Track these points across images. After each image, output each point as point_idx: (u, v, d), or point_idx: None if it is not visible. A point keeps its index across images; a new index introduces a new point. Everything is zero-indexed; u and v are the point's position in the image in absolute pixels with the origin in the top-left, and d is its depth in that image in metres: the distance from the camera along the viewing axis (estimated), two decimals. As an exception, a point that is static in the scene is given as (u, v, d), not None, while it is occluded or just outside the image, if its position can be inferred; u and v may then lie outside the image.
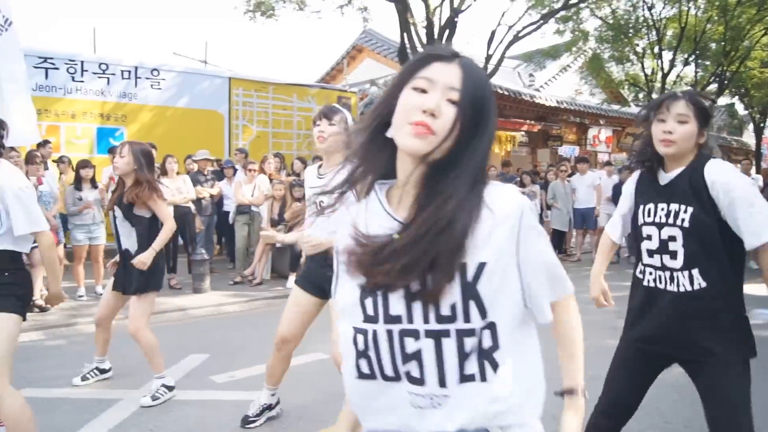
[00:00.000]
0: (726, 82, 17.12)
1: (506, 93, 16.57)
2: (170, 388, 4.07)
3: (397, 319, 1.17)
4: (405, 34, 10.41)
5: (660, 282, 2.26)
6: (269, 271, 8.64)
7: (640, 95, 21.30)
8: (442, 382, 1.16)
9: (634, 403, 2.39)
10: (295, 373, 4.29)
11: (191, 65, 12.50)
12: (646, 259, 2.33)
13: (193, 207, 8.07)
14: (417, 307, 1.15)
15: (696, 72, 17.73)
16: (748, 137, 28.19)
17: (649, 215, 2.29)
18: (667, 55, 16.59)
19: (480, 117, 1.17)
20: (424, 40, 10.71)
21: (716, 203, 2.11)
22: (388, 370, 1.19)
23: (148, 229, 4.02)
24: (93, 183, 7.14)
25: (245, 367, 4.72)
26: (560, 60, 18.91)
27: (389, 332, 1.17)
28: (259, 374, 4.56)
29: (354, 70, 18.26)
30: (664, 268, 2.24)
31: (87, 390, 4.22)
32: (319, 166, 3.39)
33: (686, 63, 17.15)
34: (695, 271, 2.16)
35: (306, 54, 68.05)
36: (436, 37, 10.33)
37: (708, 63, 17.64)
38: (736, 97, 20.90)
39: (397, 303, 1.16)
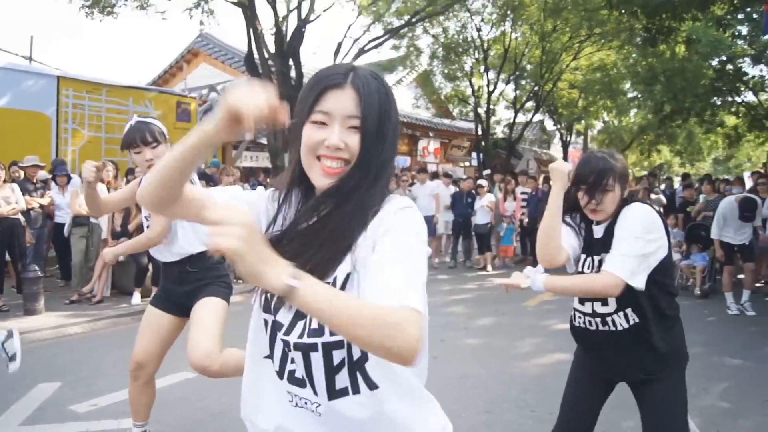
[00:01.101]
0: (541, 100, 18.95)
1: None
2: None
3: (278, 326, 1.22)
4: (253, 42, 10.24)
5: (591, 325, 2.37)
6: (110, 288, 8.03)
7: (466, 110, 22.89)
8: (315, 392, 1.21)
9: (589, 426, 2.46)
10: (166, 399, 4.08)
11: (13, 61, 11.25)
12: (577, 305, 2.42)
13: (22, 219, 7.28)
14: (298, 318, 1.19)
15: (515, 91, 19.45)
16: (555, 150, 31.42)
17: (584, 266, 2.38)
18: (491, 75, 17.99)
19: (383, 130, 1.17)
20: (272, 48, 10.61)
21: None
22: (276, 366, 1.26)
23: None
24: None
25: (107, 393, 4.38)
26: (394, 74, 19.78)
27: (273, 334, 1.24)
28: (124, 399, 4.26)
29: (189, 74, 17.55)
30: (594, 314, 2.33)
31: None
32: None
33: (508, 82, 18.75)
34: (629, 311, 2.25)
35: (136, 55, 63.97)
36: (285, 47, 10.28)
37: (524, 83, 19.41)
38: (547, 114, 23.12)
39: (284, 311, 1.21)
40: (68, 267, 8.62)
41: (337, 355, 1.18)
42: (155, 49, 73.84)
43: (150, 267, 7.61)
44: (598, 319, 2.34)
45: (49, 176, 8.42)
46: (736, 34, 13.94)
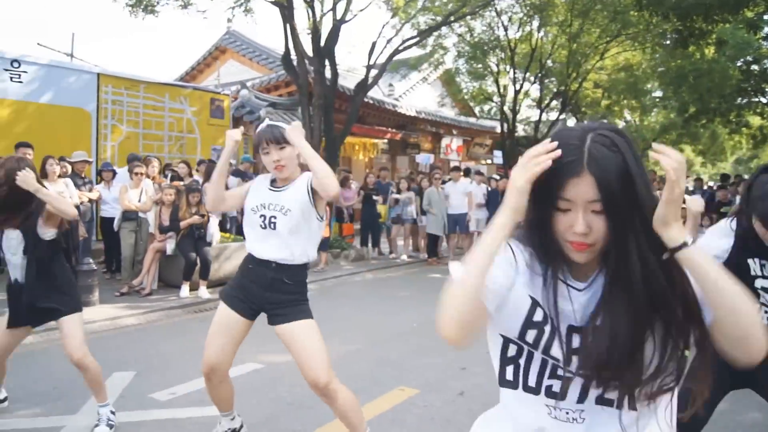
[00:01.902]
0: (568, 100, 18.97)
1: (371, 101, 16.99)
2: (113, 413, 3.78)
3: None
4: (290, 41, 10.34)
5: None
6: (156, 281, 8.18)
7: (488, 108, 22.93)
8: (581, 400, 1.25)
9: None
10: (239, 390, 4.18)
11: (57, 58, 11.44)
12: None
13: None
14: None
15: (540, 90, 19.48)
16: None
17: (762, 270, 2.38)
18: (517, 74, 18.04)
19: (628, 198, 1.13)
20: (309, 47, 10.72)
21: None
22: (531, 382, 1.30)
23: (49, 253, 3.54)
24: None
25: (183, 383, 4.49)
26: (418, 72, 19.87)
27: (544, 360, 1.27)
28: (202, 387, 4.38)
29: (216, 71, 17.69)
30: None
31: (13, 420, 3.80)
32: (273, 179, 3.06)
33: (533, 81, 18.79)
34: None
35: (163, 52, 64.45)
36: (322, 45, 10.39)
37: (549, 81, 19.42)
38: (570, 113, 23.11)
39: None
40: (114, 260, 8.79)
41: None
42: (181, 45, 74.29)
43: (198, 261, 7.74)
44: None
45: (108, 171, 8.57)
46: (764, 35, 13.89)
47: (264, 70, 17.04)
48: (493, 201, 11.73)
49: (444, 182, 12.09)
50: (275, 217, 2.91)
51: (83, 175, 8.22)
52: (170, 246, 7.94)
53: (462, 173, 12.26)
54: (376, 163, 19.21)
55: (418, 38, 12.81)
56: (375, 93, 18.66)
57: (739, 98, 19.11)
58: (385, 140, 19.00)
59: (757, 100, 19.96)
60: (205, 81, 17.67)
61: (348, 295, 8.60)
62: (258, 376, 4.73)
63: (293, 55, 10.51)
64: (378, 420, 3.86)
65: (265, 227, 2.93)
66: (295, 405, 4.13)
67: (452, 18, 12.55)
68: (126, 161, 9.15)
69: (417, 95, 21.16)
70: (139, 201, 7.87)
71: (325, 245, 10.68)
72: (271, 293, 2.96)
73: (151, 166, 8.51)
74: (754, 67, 17.81)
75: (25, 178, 3.33)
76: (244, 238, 3.12)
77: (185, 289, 7.74)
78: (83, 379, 3.65)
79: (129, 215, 7.84)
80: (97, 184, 8.76)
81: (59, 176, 7.28)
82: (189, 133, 11.82)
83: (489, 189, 12.25)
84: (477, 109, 24.85)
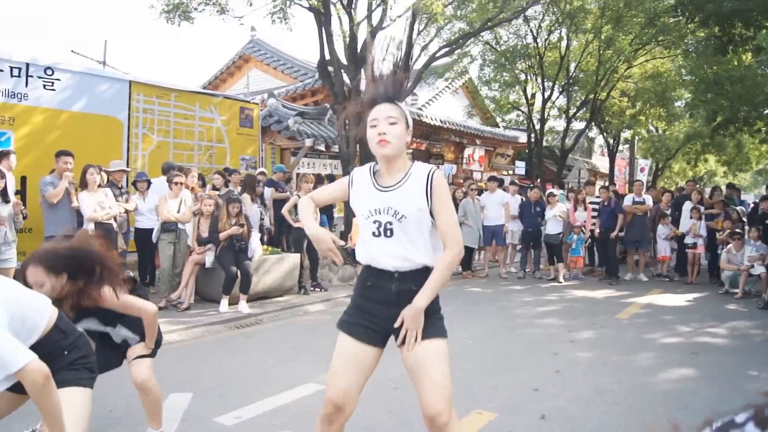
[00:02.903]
0: (597, 109, 18.68)
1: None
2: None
3: None
4: (326, 47, 10.13)
5: None
6: (193, 295, 7.93)
7: (510, 117, 22.65)
8: None
9: None
10: (303, 415, 3.90)
11: (89, 65, 11.28)
12: None
13: (115, 224, 7.22)
14: None
15: (567, 99, 19.20)
16: (596, 159, 31.07)
17: None
18: (546, 82, 17.77)
19: None
20: (343, 53, 10.51)
21: None
22: None
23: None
24: (4, 195, 6.13)
25: (246, 405, 4.23)
26: (444, 80, 19.63)
27: None
28: (269, 410, 4.15)
29: (239, 80, 17.57)
30: None
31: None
32: (375, 174, 2.64)
33: (561, 91, 18.52)
34: None
35: (185, 59, 64.72)
36: (358, 51, 10.17)
37: (577, 90, 19.13)
38: (593, 122, 22.81)
39: None
40: (148, 272, 8.57)
41: None
42: (202, 54, 74.69)
43: (238, 274, 7.50)
44: None
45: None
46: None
47: (288, 79, 16.87)
48: (526, 212, 11.45)
49: (479, 193, 11.82)
50: (391, 224, 2.50)
51: (120, 185, 8.01)
52: (209, 258, 7.70)
53: (497, 183, 11.98)
54: (399, 174, 18.94)
55: (453, 45, 12.58)
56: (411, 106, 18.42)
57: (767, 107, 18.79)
58: (410, 151, 18.75)
59: (786, 109, 19.62)
60: (228, 90, 17.50)
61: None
62: (321, 397, 4.44)
63: (327, 62, 10.29)
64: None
65: (379, 234, 2.52)
66: (372, 429, 3.86)
67: (489, 24, 12.29)
68: (161, 171, 8.96)
69: (440, 105, 20.91)
70: (178, 212, 7.64)
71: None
72: (399, 309, 2.49)
73: (190, 176, 8.29)
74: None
75: None
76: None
77: (224, 304, 7.49)
78: (141, 402, 3.46)
79: (168, 227, 7.60)
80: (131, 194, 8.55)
81: (99, 185, 7.06)
82: (219, 142, 11.61)
83: (523, 200, 11.95)
84: (498, 119, 24.60)
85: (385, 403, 4.27)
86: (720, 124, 18.71)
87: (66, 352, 2.61)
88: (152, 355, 3.50)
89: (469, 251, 11.50)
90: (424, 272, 2.52)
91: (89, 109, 9.46)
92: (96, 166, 7.04)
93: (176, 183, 7.67)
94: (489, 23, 12.22)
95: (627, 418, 4.16)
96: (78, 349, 2.66)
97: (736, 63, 14.42)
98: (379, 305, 2.56)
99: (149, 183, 8.47)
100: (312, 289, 9.09)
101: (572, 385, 4.85)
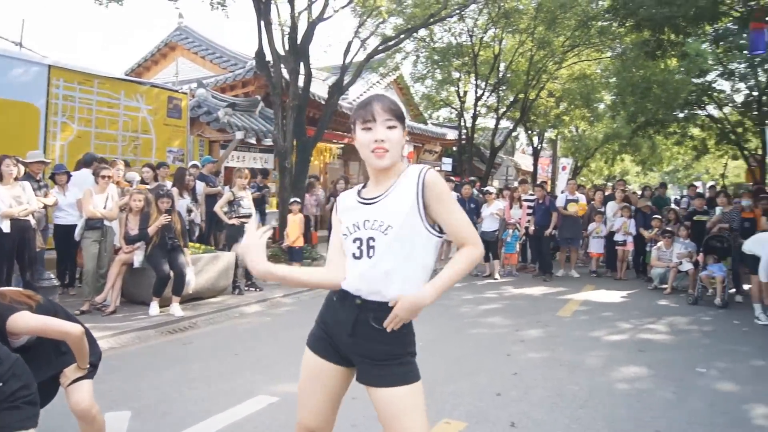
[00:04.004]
0: (527, 108, 19.02)
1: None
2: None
3: None
4: (265, 37, 9.65)
5: None
6: (119, 297, 7.35)
7: (450, 114, 22.77)
8: None
9: None
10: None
11: (4, 46, 10.31)
12: None
13: (33, 221, 6.57)
14: None
15: (497, 98, 19.46)
16: (518, 157, 31.81)
17: None
18: (479, 81, 17.91)
19: None
20: (283, 43, 10.09)
21: None
22: None
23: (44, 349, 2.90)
24: None
25: (191, 426, 3.86)
26: (369, 75, 19.43)
27: None
28: (219, 429, 3.79)
29: (164, 68, 16.73)
30: None
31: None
32: (363, 186, 2.31)
33: (493, 90, 18.72)
34: None
35: (107, 45, 61.10)
36: (298, 42, 9.78)
37: (505, 89, 19.44)
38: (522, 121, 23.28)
39: None
40: (68, 272, 7.94)
41: None
42: (127, 42, 70.92)
43: (171, 274, 7.01)
44: None
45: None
46: (727, 48, 14.24)
47: (217, 69, 16.20)
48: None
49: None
50: (373, 239, 2.11)
51: (38, 178, 7.33)
52: (138, 258, 7.17)
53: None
54: (329, 169, 18.71)
55: (397, 39, 12.38)
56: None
57: (683, 110, 19.76)
58: (341, 145, 18.46)
59: (697, 112, 20.70)
60: (153, 79, 16.60)
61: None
62: (276, 412, 4.14)
63: (269, 52, 9.83)
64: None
65: (360, 256, 2.14)
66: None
67: (432, 20, 12.17)
68: (81, 163, 8.30)
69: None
70: (105, 207, 7.06)
71: (299, 255, 10.09)
72: (356, 340, 2.15)
73: (116, 169, 7.70)
74: (700, 80, 18.40)
75: None
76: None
77: (155, 307, 6.98)
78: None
79: (93, 224, 6.99)
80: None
81: (16, 178, 6.40)
82: (144, 133, 10.94)
83: (458, 197, 11.92)
84: (426, 115, 24.70)
85: (347, 416, 4.01)
86: (640, 125, 19.53)
87: (1, 384, 2.20)
88: (90, 375, 3.06)
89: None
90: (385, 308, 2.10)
91: (2, 94, 8.67)
92: (12, 157, 6.36)
93: (103, 176, 7.07)
94: (432, 19, 12.10)
95: (596, 422, 4.08)
96: (16, 378, 2.26)
97: (662, 67, 14.99)
98: (337, 328, 2.20)
99: (69, 176, 7.81)
100: (247, 288, 8.68)
101: (533, 389, 4.75)
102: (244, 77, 14.55)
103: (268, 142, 12.87)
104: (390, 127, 2.11)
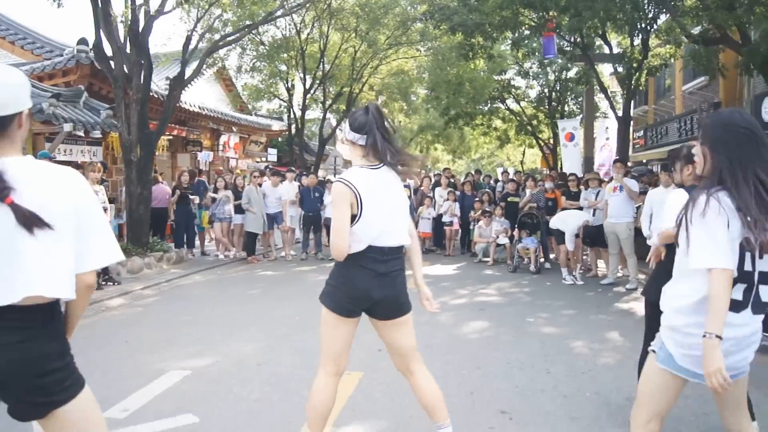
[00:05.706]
0: (352, 101, 20.09)
1: (154, 95, 16.04)
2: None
3: None
4: (102, 29, 9.39)
5: None
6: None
7: (279, 108, 23.07)
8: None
9: None
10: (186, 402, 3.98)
11: None
12: None
13: None
14: None
15: (324, 91, 20.33)
16: (339, 147, 33.07)
17: None
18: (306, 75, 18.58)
19: None
20: (123, 36, 9.90)
21: None
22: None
23: None
24: None
25: (127, 395, 4.14)
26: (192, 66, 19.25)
27: None
28: (153, 397, 4.13)
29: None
30: None
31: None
32: None
33: (319, 83, 19.52)
34: None
35: None
36: (139, 34, 9.68)
37: (331, 83, 20.34)
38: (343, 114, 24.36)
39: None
40: None
41: None
42: None
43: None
44: None
45: None
46: (525, 52, 16.39)
47: (30, 56, 15.04)
48: (306, 198, 12.09)
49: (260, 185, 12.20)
50: None
51: None
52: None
53: (279, 178, 12.51)
54: (158, 161, 18.24)
55: (238, 35, 12.60)
56: (152, 86, 17.58)
57: (488, 104, 22.21)
58: (170, 136, 18.10)
59: (499, 106, 23.34)
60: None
61: (204, 296, 8.27)
62: (194, 382, 4.53)
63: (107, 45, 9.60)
64: (350, 405, 4.09)
65: None
66: (263, 402, 4.13)
67: (271, 18, 12.57)
68: None
69: (195, 91, 20.46)
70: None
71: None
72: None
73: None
74: (501, 77, 20.83)
75: None
76: None
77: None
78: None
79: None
80: None
81: None
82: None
83: (301, 187, 12.57)
84: (250, 106, 24.86)
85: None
86: (452, 118, 21.56)
87: None
88: None
89: (252, 237, 11.80)
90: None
91: None
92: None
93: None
94: (271, 17, 12.52)
95: (463, 364, 5.02)
96: None
97: (473, 67, 16.86)
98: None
99: None
100: (104, 283, 8.60)
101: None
102: (65, 66, 13.77)
103: (97, 134, 12.44)
104: None
